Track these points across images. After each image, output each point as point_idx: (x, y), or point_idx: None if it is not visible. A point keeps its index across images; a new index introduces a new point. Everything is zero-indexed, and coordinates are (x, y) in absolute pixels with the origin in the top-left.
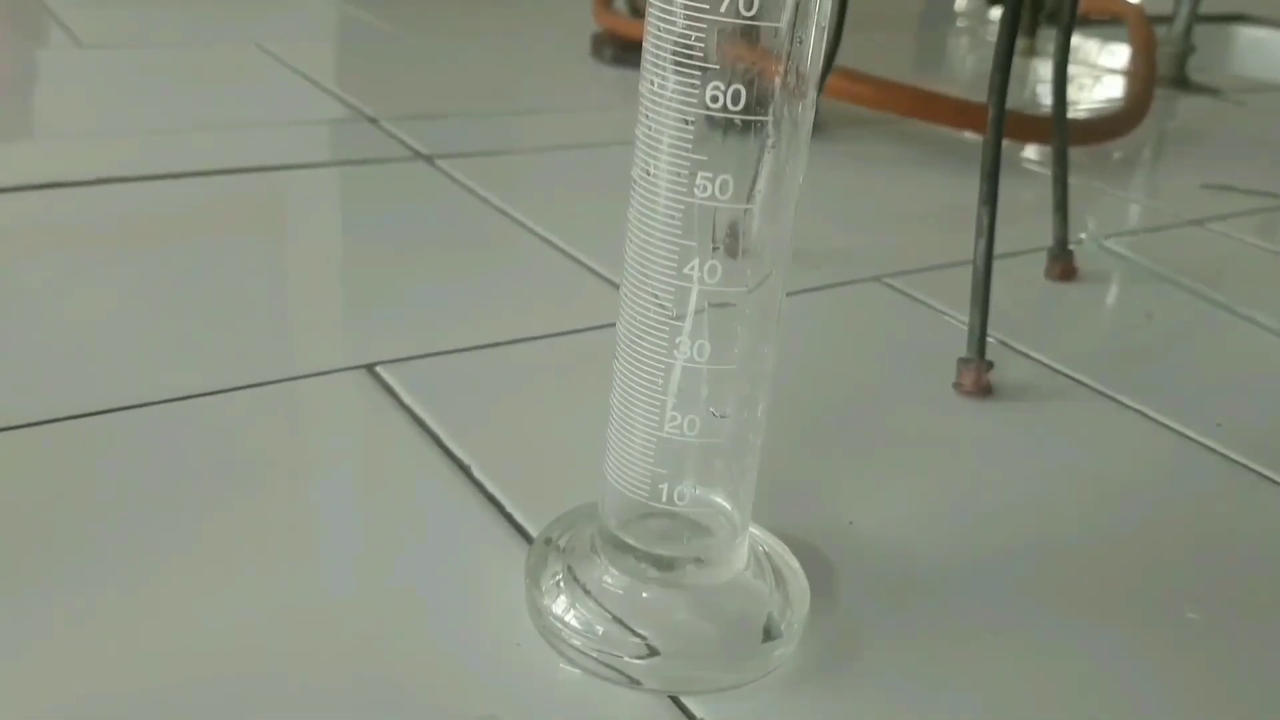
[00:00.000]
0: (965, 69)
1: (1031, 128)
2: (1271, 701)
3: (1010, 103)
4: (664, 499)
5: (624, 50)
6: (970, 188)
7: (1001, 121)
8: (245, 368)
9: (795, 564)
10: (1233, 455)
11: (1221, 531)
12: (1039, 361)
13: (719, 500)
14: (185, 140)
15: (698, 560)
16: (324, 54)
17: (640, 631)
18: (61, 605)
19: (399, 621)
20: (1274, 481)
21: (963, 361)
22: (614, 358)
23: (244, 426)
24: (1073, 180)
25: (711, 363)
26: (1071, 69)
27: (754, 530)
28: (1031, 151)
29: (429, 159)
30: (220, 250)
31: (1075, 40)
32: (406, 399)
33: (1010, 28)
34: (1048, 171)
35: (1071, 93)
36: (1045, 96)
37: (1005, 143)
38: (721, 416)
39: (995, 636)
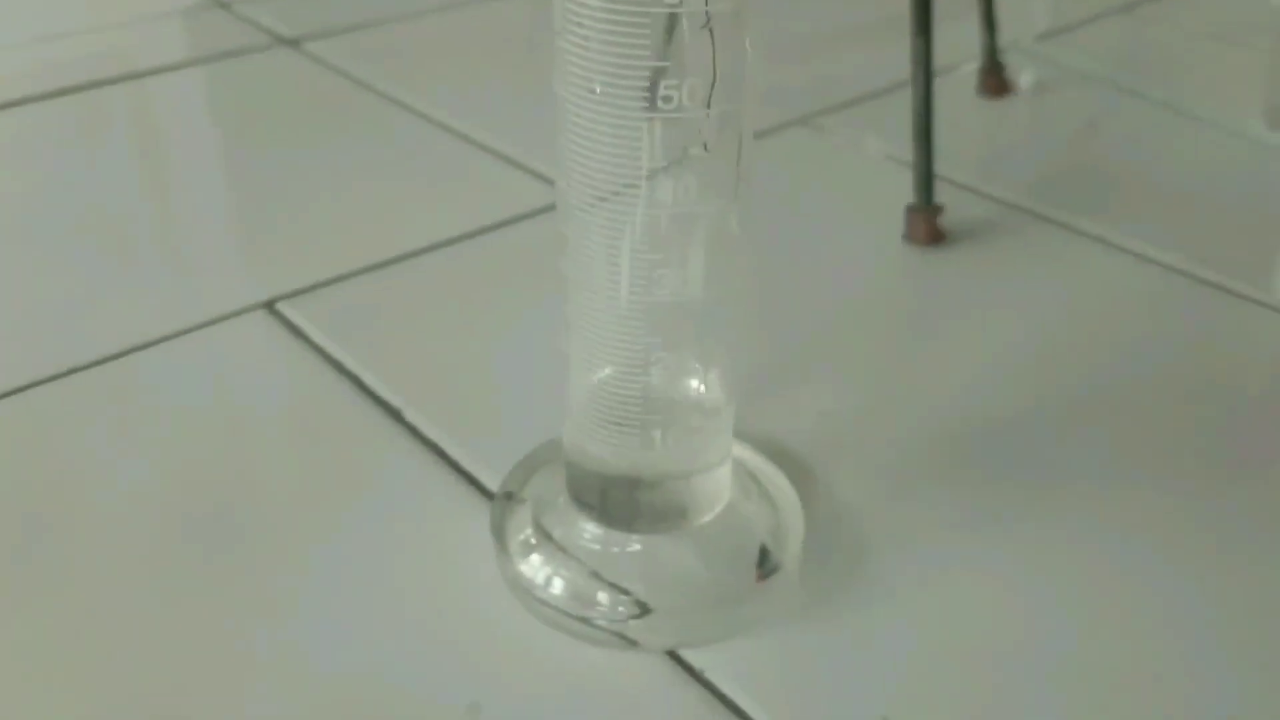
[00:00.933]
0: None
1: None
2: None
3: None
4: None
5: None
6: None
7: None
8: (121, 325)
9: (782, 479)
10: (1203, 275)
11: (1216, 364)
12: (988, 196)
13: (698, 384)
14: (9, 60)
15: (682, 476)
16: None
17: (627, 588)
18: None
19: (358, 603)
20: (1249, 299)
21: (911, 210)
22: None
23: (133, 398)
24: None
25: (677, 205)
26: None
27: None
28: None
29: (294, 43)
30: (70, 187)
31: None
32: (317, 338)
33: None
34: None
35: None
36: None
37: None
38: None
39: (999, 517)
